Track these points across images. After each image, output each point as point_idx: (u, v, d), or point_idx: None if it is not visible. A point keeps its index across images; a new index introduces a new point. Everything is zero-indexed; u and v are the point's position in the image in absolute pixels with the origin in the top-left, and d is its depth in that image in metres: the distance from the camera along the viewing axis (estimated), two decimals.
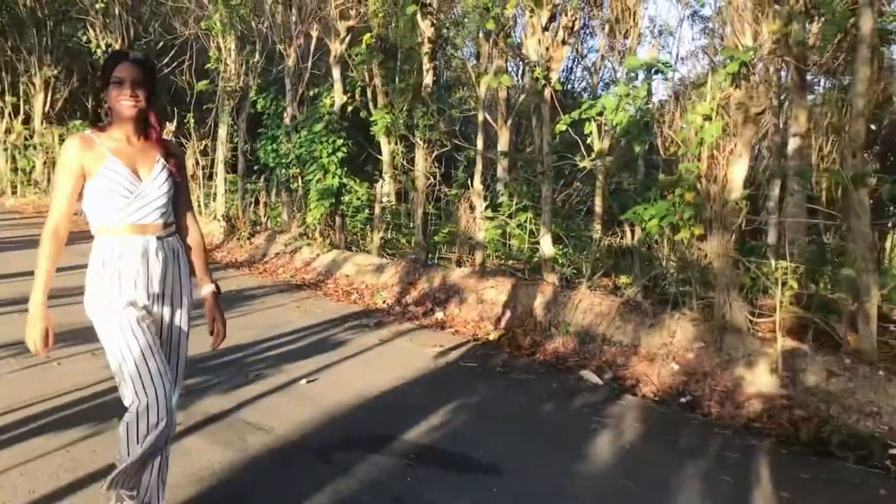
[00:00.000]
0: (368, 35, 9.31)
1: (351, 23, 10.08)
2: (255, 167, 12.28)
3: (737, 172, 6.22)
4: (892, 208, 10.13)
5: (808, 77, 8.70)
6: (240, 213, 12.55)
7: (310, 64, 11.18)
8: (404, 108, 9.04)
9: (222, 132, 13.19)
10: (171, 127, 14.39)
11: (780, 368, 5.53)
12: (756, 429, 4.93)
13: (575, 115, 6.92)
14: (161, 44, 14.94)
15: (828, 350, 5.74)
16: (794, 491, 3.82)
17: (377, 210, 10.09)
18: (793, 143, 9.02)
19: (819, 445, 4.55)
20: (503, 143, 10.82)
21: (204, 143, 14.05)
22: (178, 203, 2.83)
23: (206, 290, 2.94)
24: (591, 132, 6.98)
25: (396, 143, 9.39)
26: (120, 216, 2.64)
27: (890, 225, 10.71)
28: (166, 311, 2.80)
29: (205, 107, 13.74)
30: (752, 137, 6.29)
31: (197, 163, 14.00)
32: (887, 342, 6.00)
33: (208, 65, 12.78)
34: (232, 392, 4.81)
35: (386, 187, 10.72)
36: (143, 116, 2.70)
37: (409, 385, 5.28)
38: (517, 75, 12.40)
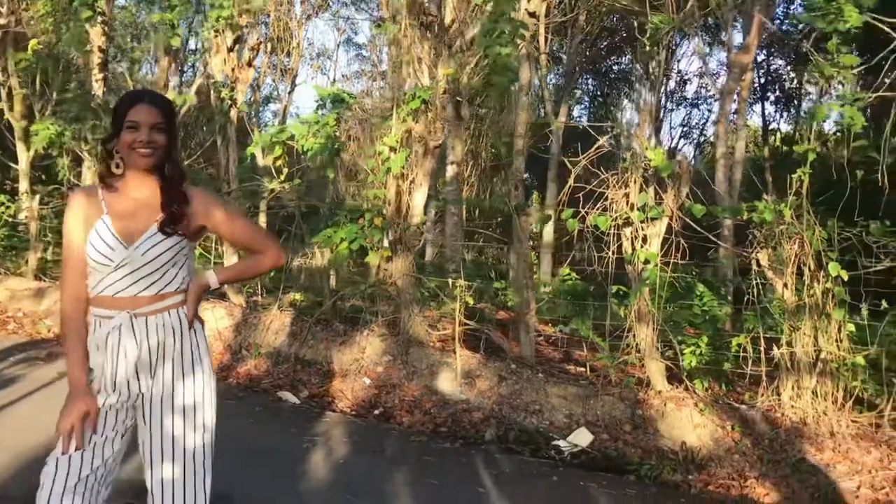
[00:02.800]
0: (35, 41, 8.49)
1: (2, 21, 9.08)
2: None
3: (418, 199, 6.84)
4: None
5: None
6: None
7: None
8: (70, 119, 8.39)
9: None
10: None
11: (458, 376, 6.19)
12: (444, 433, 5.48)
13: (266, 138, 7.04)
14: None
15: (497, 357, 6.55)
16: (488, 486, 4.37)
17: (32, 228, 9.18)
18: (450, 171, 10.05)
19: (500, 443, 5.22)
20: None
21: None
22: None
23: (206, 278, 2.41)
24: (280, 155, 7.14)
25: (62, 156, 8.65)
26: (99, 286, 2.25)
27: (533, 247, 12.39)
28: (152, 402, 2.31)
29: None
30: (430, 167, 6.95)
31: None
32: (538, 349, 7.02)
33: None
34: None
35: (32, 202, 9.76)
36: (161, 166, 2.29)
37: None
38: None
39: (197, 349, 2.36)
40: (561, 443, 5.27)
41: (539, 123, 11.30)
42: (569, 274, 7.16)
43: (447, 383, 6.20)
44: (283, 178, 7.30)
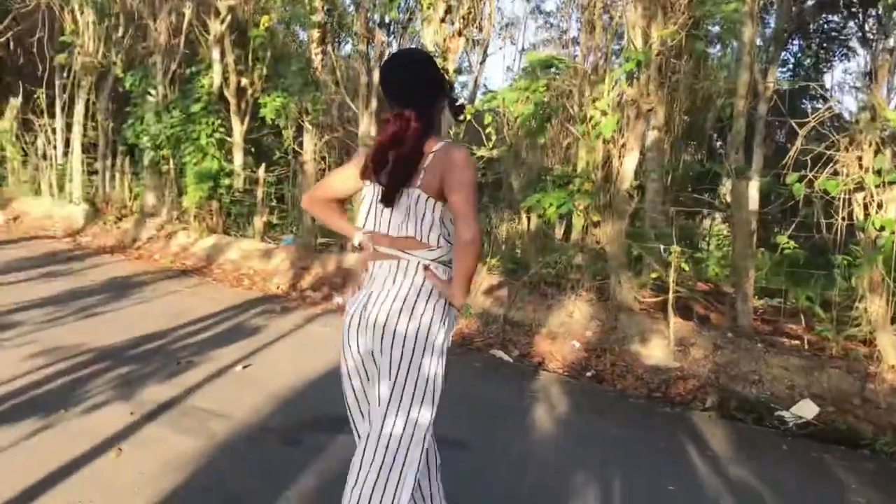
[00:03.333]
0: (267, 17, 9.18)
1: (231, 2, 9.85)
2: (121, 148, 11.71)
3: (628, 164, 6.77)
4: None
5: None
6: (104, 196, 11.93)
7: (182, 42, 10.79)
8: (295, 91, 9.00)
9: (79, 110, 12.45)
10: (15, 102, 13.45)
11: (671, 343, 6.13)
12: (658, 398, 5.47)
13: (478, 105, 7.22)
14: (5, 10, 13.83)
15: (710, 326, 6.42)
16: (719, 450, 4.33)
17: (259, 194, 9.97)
18: (651, 136, 9.81)
19: (720, 410, 5.14)
20: (364, 128, 10.91)
21: (56, 121, 13.23)
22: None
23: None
24: (489, 122, 7.31)
25: (287, 128, 9.33)
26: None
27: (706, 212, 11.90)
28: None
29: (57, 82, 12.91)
30: (642, 132, 6.86)
31: (48, 142, 13.15)
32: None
33: (63, 37, 11.99)
34: (171, 380, 4.75)
35: (259, 170, 10.56)
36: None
37: None
38: None
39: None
40: (784, 413, 5.11)
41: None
42: (787, 243, 6.84)
43: (659, 350, 6.16)
44: (492, 144, 7.46)
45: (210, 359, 5.30)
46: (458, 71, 25.62)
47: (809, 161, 5.62)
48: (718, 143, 15.61)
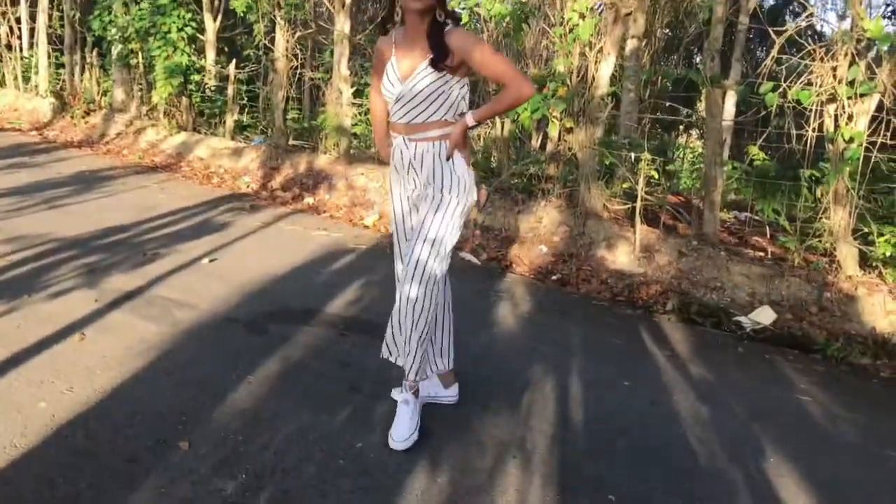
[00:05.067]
0: None
1: None
2: (87, 39, 11.35)
3: (604, 69, 6.69)
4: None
5: None
6: (71, 90, 11.63)
7: None
8: None
9: None
10: None
11: (637, 249, 6.21)
12: (622, 302, 5.57)
13: (453, 2, 7.05)
14: None
15: (676, 234, 6.49)
16: (674, 351, 4.45)
17: (230, 91, 9.76)
18: (630, 45, 9.68)
19: (680, 314, 5.25)
20: (339, 25, 10.60)
21: (18, 10, 12.74)
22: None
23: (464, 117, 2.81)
24: (466, 23, 7.15)
25: (258, 22, 9.06)
26: (391, 115, 2.88)
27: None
28: (422, 194, 2.90)
29: None
30: (619, 37, 6.75)
31: (11, 31, 12.71)
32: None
33: None
34: (136, 270, 4.75)
35: (229, 67, 10.31)
36: (432, 12, 2.67)
37: (310, 265, 5.43)
38: None
39: (450, 176, 2.81)
40: (743, 319, 5.23)
41: None
42: (757, 154, 6.86)
43: (624, 256, 6.24)
44: None
45: (177, 252, 5.30)
46: None
47: (784, 71, 5.59)
48: (699, 59, 15.46)
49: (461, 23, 2.86)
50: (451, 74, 2.70)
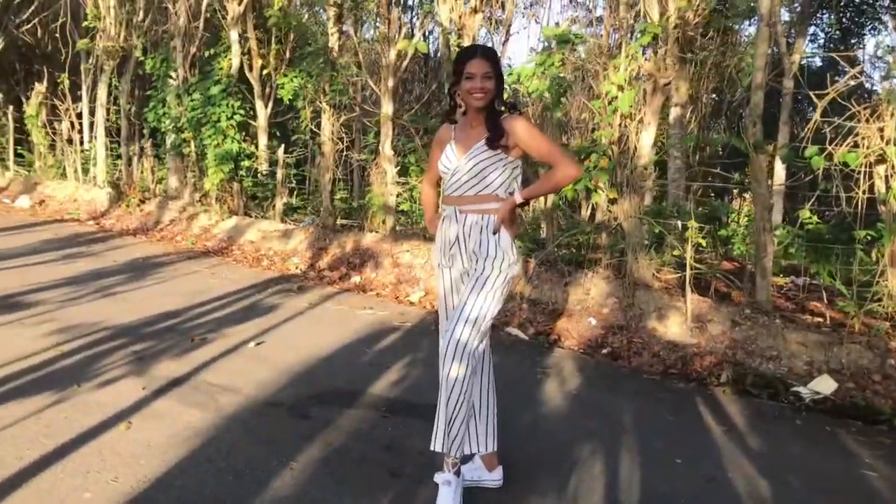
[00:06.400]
0: None
1: None
2: (143, 131, 11.82)
3: (645, 139, 6.67)
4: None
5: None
6: (127, 179, 12.06)
7: (201, 24, 10.82)
8: (313, 72, 8.99)
9: (102, 94, 12.57)
10: (41, 87, 13.62)
11: (689, 320, 6.06)
12: (674, 375, 5.41)
13: None
14: None
15: (729, 302, 6.33)
16: (730, 424, 4.28)
17: (279, 175, 10.00)
18: (674, 113, 9.69)
19: (735, 386, 5.07)
20: (384, 109, 10.86)
21: (79, 105, 13.39)
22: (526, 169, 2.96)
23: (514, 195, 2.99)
24: (507, 97, 7.24)
25: (304, 108, 9.34)
26: (445, 189, 3.07)
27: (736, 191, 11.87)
28: (466, 270, 3.05)
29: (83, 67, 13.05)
30: (659, 106, 6.75)
31: (72, 126, 13.32)
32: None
33: (86, 22, 12.10)
34: (185, 356, 4.80)
35: (279, 151, 10.60)
36: (492, 103, 2.93)
37: (355, 344, 5.43)
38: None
39: (494, 249, 2.93)
40: (801, 389, 5.03)
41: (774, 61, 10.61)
42: (809, 218, 6.71)
43: (676, 327, 6.10)
44: None
45: (224, 336, 5.35)
46: None
47: (832, 133, 5.50)
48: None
49: (515, 110, 3.04)
50: (505, 154, 2.92)
